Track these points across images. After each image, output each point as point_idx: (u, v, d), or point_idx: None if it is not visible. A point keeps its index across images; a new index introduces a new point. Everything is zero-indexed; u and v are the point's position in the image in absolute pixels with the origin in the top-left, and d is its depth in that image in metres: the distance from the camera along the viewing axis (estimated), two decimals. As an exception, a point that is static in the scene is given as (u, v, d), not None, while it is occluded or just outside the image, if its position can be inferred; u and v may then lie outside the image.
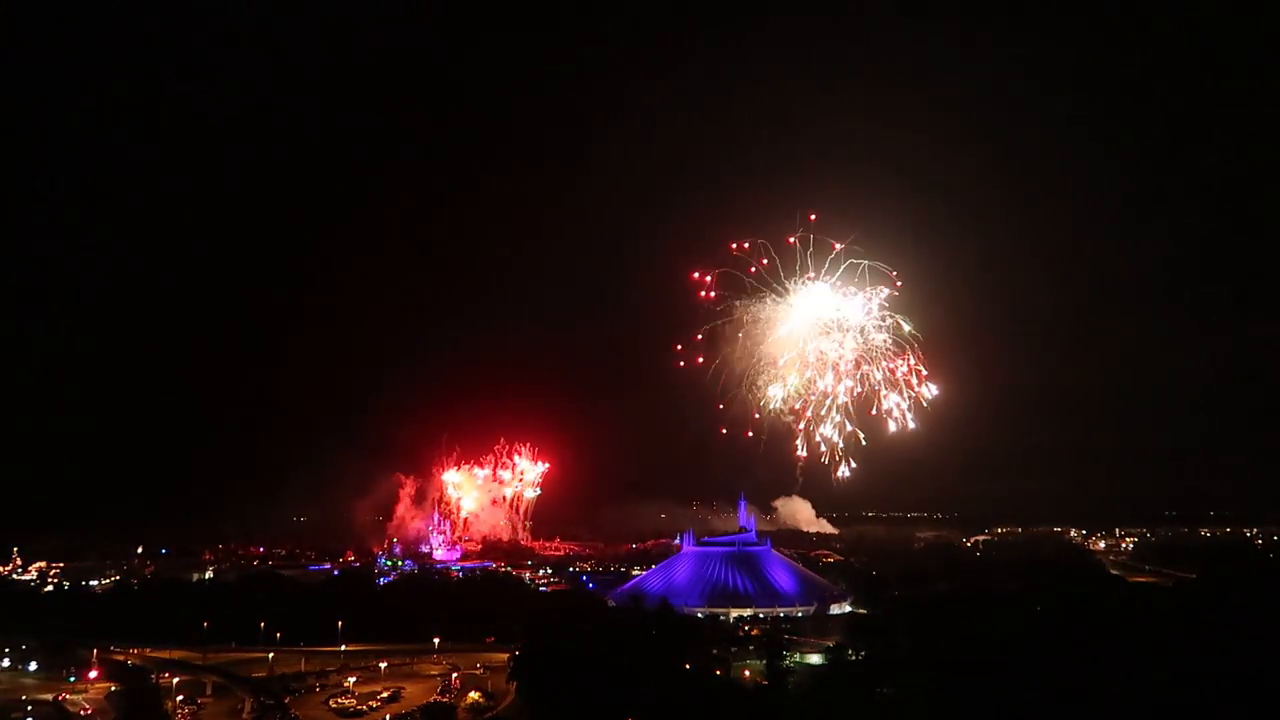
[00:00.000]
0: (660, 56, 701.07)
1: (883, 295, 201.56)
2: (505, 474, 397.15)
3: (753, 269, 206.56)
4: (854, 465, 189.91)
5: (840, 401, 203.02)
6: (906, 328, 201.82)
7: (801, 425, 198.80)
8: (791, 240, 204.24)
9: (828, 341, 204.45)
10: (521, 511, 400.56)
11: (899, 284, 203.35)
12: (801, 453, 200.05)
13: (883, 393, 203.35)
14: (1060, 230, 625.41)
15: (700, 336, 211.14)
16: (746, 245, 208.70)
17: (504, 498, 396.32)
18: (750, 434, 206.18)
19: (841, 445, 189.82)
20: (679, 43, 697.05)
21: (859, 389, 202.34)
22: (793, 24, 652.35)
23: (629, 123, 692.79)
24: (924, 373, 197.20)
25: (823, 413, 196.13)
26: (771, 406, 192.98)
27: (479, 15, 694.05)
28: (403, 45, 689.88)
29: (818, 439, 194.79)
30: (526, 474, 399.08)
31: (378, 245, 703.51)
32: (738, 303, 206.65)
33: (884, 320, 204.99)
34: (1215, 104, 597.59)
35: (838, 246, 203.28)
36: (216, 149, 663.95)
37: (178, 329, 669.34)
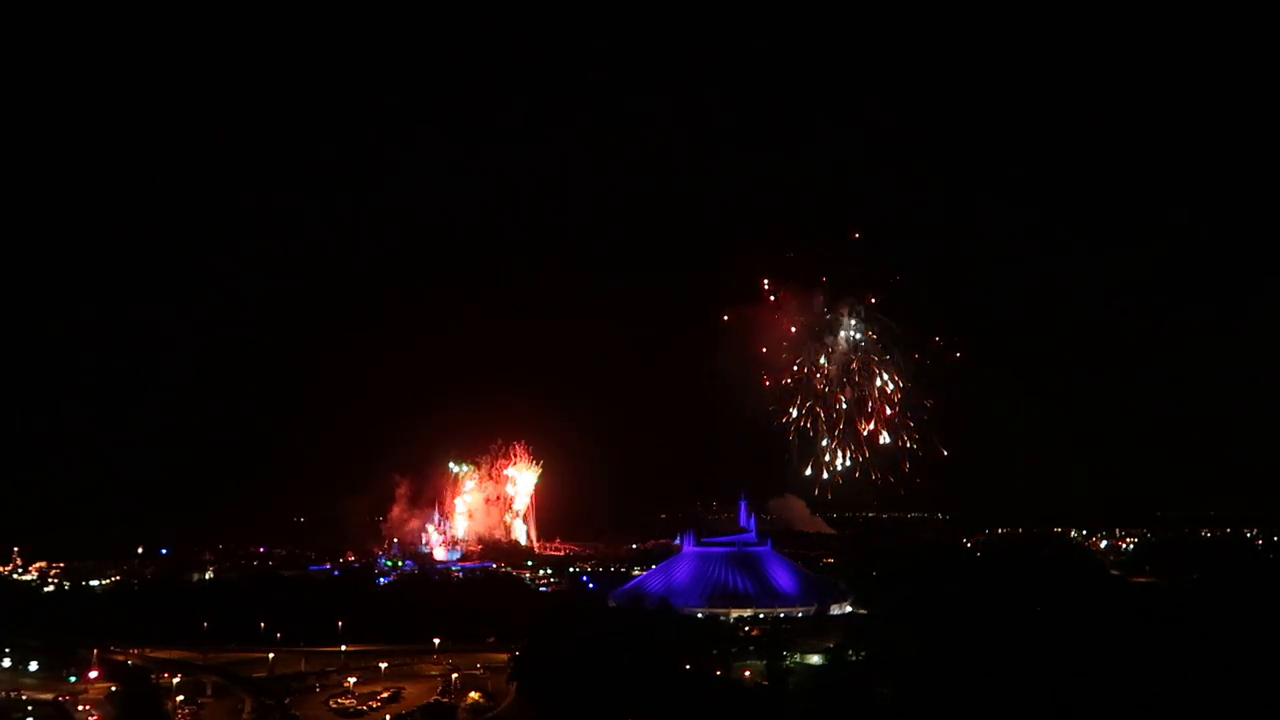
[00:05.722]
0: (661, 70, 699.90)
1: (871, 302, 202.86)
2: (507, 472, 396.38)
3: (750, 275, 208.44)
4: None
5: (843, 408, 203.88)
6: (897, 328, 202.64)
7: (796, 418, 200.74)
8: (789, 252, 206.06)
9: (823, 347, 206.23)
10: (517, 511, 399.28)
11: (897, 277, 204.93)
12: (803, 449, 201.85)
13: (877, 399, 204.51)
14: (1059, 228, 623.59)
15: (699, 339, 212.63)
16: (744, 253, 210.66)
17: (498, 497, 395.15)
18: (746, 434, 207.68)
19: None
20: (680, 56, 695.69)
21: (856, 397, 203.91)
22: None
23: (628, 124, 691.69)
24: (910, 382, 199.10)
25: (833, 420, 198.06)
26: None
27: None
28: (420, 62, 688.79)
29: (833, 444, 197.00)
30: (522, 474, 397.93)
31: (376, 246, 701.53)
32: (731, 308, 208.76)
33: (873, 326, 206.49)
34: (1212, 106, 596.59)
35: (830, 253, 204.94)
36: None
37: (176, 329, 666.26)
